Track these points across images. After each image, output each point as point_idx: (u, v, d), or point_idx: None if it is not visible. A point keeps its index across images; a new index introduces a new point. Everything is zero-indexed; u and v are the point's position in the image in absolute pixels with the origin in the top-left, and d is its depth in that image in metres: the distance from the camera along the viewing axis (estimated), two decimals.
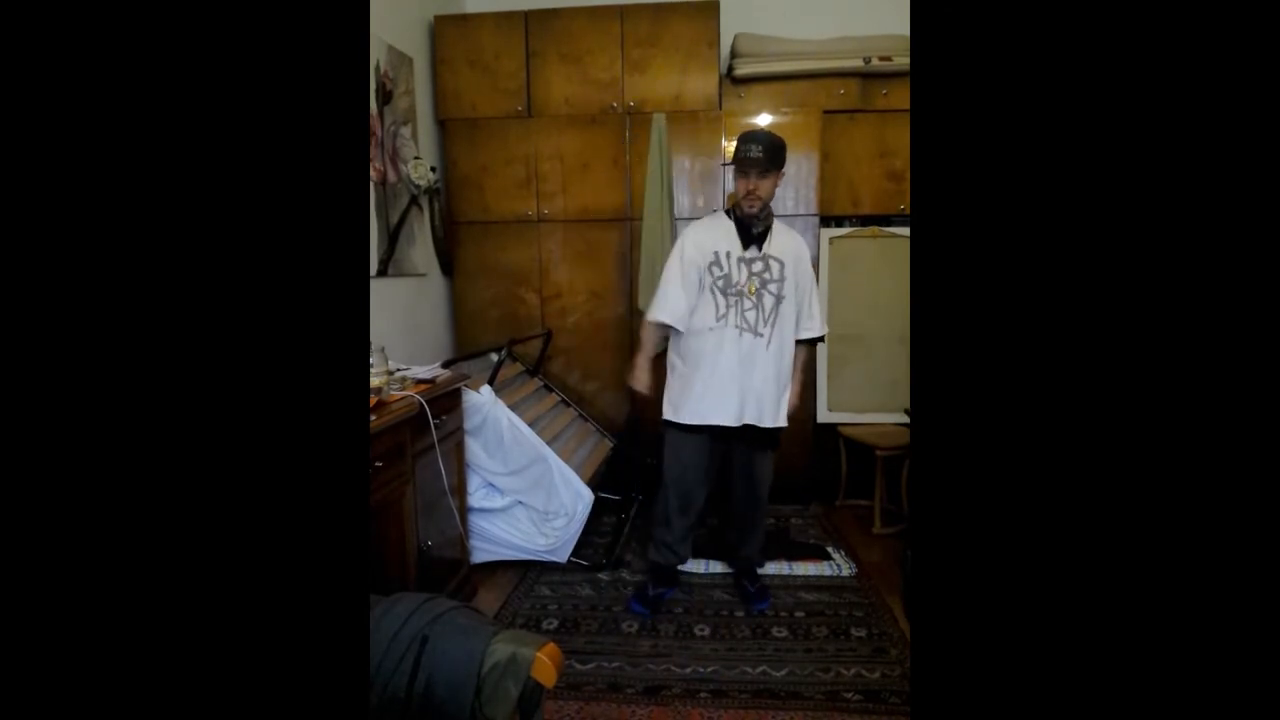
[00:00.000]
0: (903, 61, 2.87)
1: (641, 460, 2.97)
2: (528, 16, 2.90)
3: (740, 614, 2.13)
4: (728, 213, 2.08)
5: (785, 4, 3.20)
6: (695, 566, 2.44)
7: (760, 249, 2.01)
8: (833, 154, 2.95)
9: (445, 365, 2.29)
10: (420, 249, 2.78)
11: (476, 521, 2.33)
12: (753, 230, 2.01)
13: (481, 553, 2.33)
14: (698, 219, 2.20)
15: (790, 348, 2.07)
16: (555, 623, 2.11)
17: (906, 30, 2.69)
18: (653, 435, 3.01)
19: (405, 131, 2.66)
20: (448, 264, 3.03)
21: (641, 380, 2.12)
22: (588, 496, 2.37)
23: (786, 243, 2.05)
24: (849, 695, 1.72)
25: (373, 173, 2.41)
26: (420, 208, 2.78)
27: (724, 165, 2.05)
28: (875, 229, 3.05)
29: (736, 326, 2.00)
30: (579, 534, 2.39)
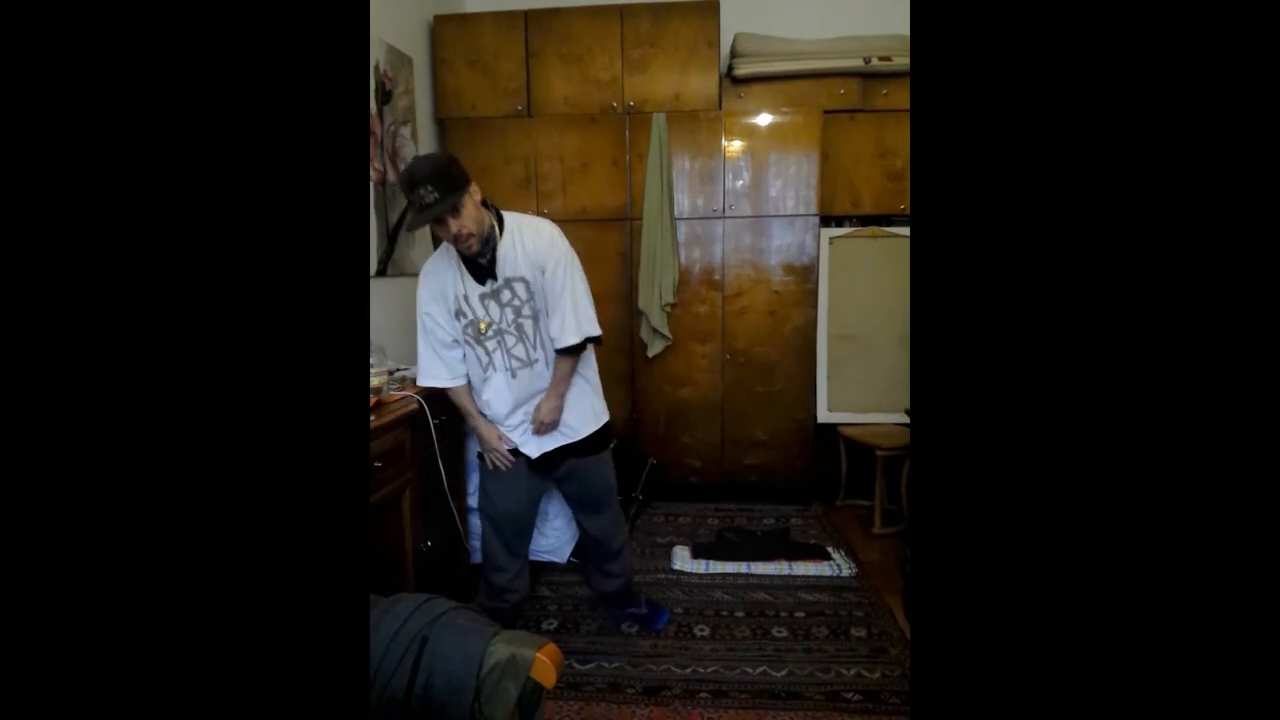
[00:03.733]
0: (903, 61, 2.86)
1: (642, 461, 2.97)
2: (527, 16, 2.89)
3: (741, 614, 2.13)
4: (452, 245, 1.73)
5: (785, 4, 3.20)
6: (695, 567, 2.43)
7: (496, 277, 1.72)
8: (833, 154, 2.94)
9: None
10: (419, 248, 2.78)
11: (476, 521, 2.31)
12: (481, 262, 1.70)
13: (481, 553, 2.33)
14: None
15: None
16: (555, 623, 2.10)
17: (907, 30, 2.68)
18: (653, 436, 3.03)
19: (405, 131, 2.66)
20: None
21: (486, 446, 1.86)
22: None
23: (521, 255, 1.72)
24: (849, 695, 1.72)
25: (371, 173, 2.41)
26: None
27: (405, 214, 1.72)
28: (875, 229, 3.05)
29: (508, 369, 1.78)
30: (579, 534, 2.39)
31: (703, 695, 1.73)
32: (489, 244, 1.69)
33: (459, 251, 1.69)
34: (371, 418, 1.62)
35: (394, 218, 2.56)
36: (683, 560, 2.48)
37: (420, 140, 2.82)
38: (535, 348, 1.79)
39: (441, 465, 1.96)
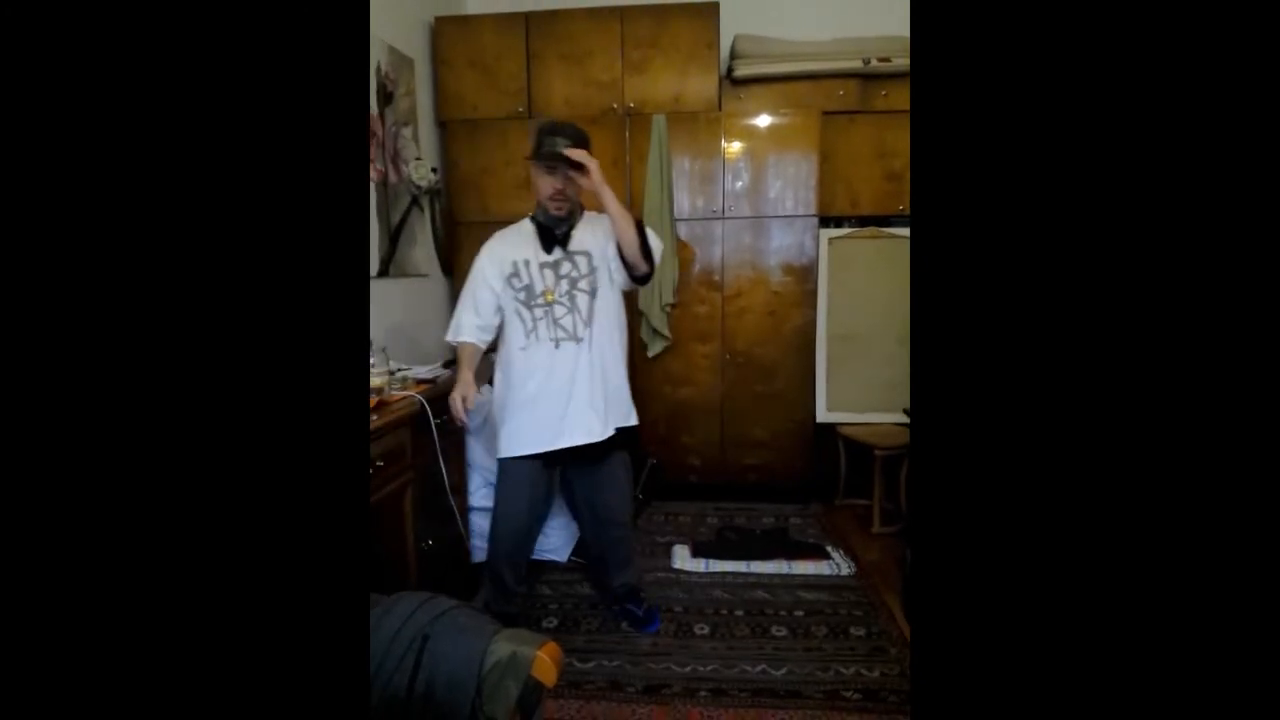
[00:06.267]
0: (902, 62, 2.87)
1: (643, 460, 2.98)
2: (528, 18, 2.91)
3: (740, 613, 2.14)
4: (531, 219, 1.90)
5: (785, 5, 3.20)
6: (695, 565, 2.44)
7: (565, 249, 1.84)
8: (832, 155, 2.95)
9: (446, 365, 2.29)
10: (421, 249, 2.79)
11: (477, 520, 2.33)
12: (556, 233, 1.84)
13: (482, 552, 2.33)
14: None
15: (614, 344, 1.88)
16: (555, 621, 2.11)
17: (906, 31, 2.69)
18: (654, 436, 3.04)
19: (406, 132, 2.67)
20: (448, 264, 3.04)
21: (457, 396, 1.81)
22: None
23: (593, 232, 1.86)
24: (848, 694, 1.73)
25: (373, 173, 2.42)
26: (421, 208, 2.78)
27: (527, 159, 1.82)
28: (874, 229, 3.06)
29: (552, 339, 1.82)
30: (579, 533, 2.40)
31: (702, 694, 1.74)
32: (569, 221, 1.84)
33: (543, 212, 1.83)
34: (373, 418, 1.63)
35: (396, 219, 2.58)
36: (682, 559, 2.49)
37: (422, 141, 2.83)
38: (585, 325, 1.82)
39: (443, 464, 1.97)
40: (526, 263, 1.83)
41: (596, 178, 1.71)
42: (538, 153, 1.76)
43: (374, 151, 2.43)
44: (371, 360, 1.79)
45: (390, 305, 2.55)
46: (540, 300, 1.82)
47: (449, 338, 1.94)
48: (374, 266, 2.43)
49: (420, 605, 1.22)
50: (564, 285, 1.83)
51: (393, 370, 1.98)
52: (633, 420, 1.97)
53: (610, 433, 1.88)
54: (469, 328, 1.89)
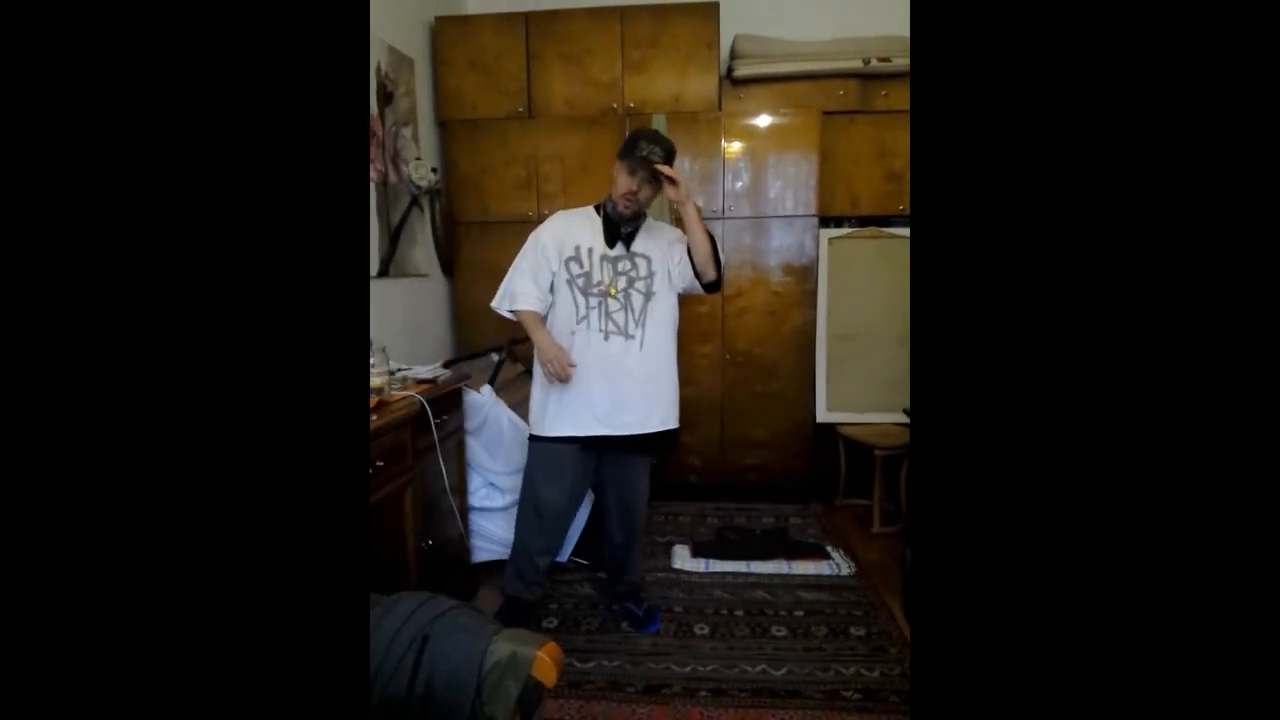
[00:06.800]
0: (902, 62, 2.87)
1: None
2: (528, 18, 2.91)
3: (740, 613, 2.14)
4: (597, 208, 1.94)
5: (785, 5, 3.20)
6: (695, 565, 2.45)
7: (628, 248, 1.89)
8: (832, 155, 2.95)
9: (446, 365, 2.30)
10: (421, 249, 2.79)
11: (477, 520, 2.34)
12: (621, 230, 1.89)
13: (482, 552, 2.34)
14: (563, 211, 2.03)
15: (665, 345, 1.92)
16: (555, 621, 2.11)
17: (906, 31, 2.69)
18: None
19: (406, 132, 2.67)
20: (448, 264, 3.04)
21: (551, 355, 1.83)
22: (588, 496, 2.38)
23: (655, 239, 1.92)
24: (848, 694, 1.73)
25: (373, 173, 2.42)
26: (421, 208, 2.78)
27: (619, 158, 1.84)
28: (874, 229, 3.06)
29: (601, 330, 1.86)
30: (580, 533, 2.40)
31: (702, 694, 1.74)
32: (634, 222, 1.89)
33: (613, 206, 1.87)
34: (373, 418, 1.63)
35: (396, 218, 2.58)
36: (683, 559, 2.50)
37: (422, 141, 2.83)
38: (637, 324, 1.87)
39: (443, 464, 1.97)
40: (590, 250, 1.88)
41: (685, 191, 1.78)
42: (631, 154, 1.80)
43: (374, 151, 2.43)
44: (371, 360, 1.79)
45: (390, 305, 2.55)
46: (597, 290, 1.86)
47: (503, 306, 1.93)
48: (374, 266, 2.43)
49: (420, 605, 1.22)
50: (622, 281, 1.87)
51: (393, 370, 1.98)
52: (672, 424, 1.97)
53: (650, 430, 1.91)
54: (529, 296, 1.88)
